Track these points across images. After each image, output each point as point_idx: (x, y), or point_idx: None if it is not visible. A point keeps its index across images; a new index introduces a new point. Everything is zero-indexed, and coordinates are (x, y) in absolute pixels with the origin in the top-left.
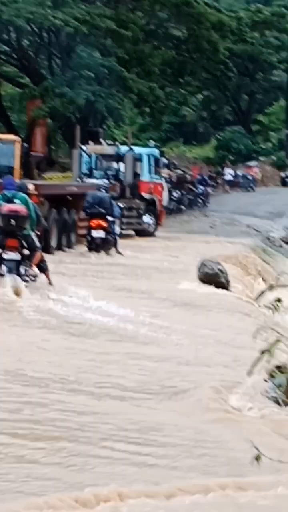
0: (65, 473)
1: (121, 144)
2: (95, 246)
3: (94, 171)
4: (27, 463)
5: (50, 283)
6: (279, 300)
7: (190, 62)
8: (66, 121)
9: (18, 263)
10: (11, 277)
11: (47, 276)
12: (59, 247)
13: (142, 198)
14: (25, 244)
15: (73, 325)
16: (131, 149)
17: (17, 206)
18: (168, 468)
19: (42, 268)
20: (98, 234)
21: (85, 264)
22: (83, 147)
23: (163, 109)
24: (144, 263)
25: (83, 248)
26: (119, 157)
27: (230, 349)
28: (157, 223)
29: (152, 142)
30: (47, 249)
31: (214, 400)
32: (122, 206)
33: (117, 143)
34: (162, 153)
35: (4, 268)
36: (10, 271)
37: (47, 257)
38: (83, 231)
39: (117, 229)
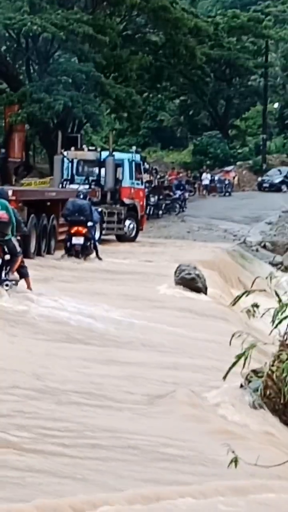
0: None
1: (101, 149)
2: (74, 252)
3: (76, 176)
4: None
5: (29, 288)
6: (256, 306)
7: (167, 67)
8: (44, 126)
9: None
10: None
11: (27, 281)
12: (39, 253)
13: (123, 204)
14: (6, 249)
15: (54, 327)
16: (112, 154)
17: None
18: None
19: (22, 273)
20: (77, 240)
21: (64, 270)
22: (65, 152)
23: (141, 114)
24: (123, 268)
25: (63, 253)
26: (100, 163)
27: (206, 354)
28: (138, 228)
29: (133, 148)
30: (26, 254)
31: (189, 404)
32: (103, 211)
33: (98, 148)
34: (143, 159)
35: None
36: None
37: (26, 262)
38: (62, 237)
39: (96, 235)
